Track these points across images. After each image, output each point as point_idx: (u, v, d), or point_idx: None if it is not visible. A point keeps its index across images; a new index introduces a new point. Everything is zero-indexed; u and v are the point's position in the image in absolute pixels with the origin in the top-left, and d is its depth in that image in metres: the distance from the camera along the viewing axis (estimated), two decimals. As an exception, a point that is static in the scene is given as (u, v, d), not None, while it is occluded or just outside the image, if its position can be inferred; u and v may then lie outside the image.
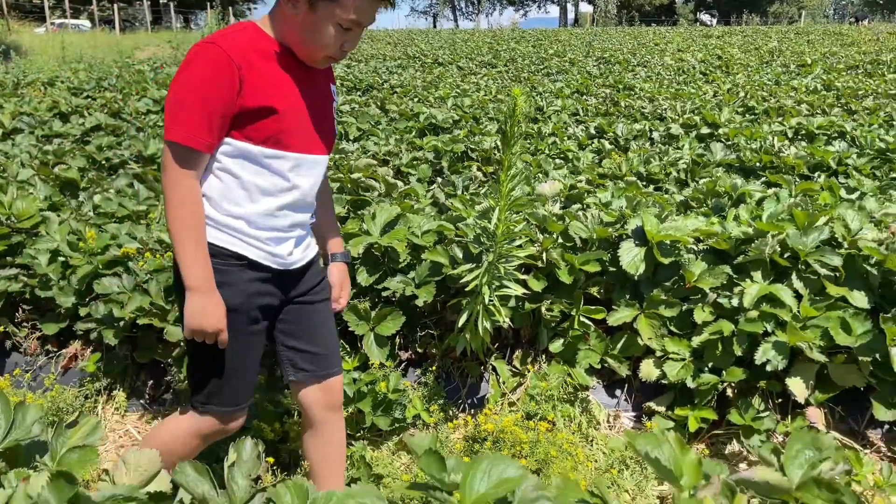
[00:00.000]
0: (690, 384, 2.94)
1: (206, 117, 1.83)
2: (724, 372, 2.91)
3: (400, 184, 4.24)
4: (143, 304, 2.97)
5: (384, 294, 3.16)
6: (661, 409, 3.02)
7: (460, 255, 3.10)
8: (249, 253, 1.98)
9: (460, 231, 3.26)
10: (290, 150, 1.96)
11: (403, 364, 3.25)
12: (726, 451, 2.95)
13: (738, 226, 3.26)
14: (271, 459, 2.57)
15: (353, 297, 3.16)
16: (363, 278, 3.13)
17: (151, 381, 3.27)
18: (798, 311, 2.89)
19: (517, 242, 2.80)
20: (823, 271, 2.94)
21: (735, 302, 2.97)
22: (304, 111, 1.99)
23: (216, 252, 1.94)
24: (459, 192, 4.21)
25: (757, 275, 3.03)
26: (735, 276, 3.08)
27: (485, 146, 5.83)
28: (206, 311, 1.90)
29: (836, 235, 3.02)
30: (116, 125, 7.27)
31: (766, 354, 2.80)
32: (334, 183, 4.17)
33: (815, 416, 2.89)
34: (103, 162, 5.84)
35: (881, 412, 2.80)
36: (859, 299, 2.89)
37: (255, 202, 1.96)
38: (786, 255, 3.05)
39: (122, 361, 3.25)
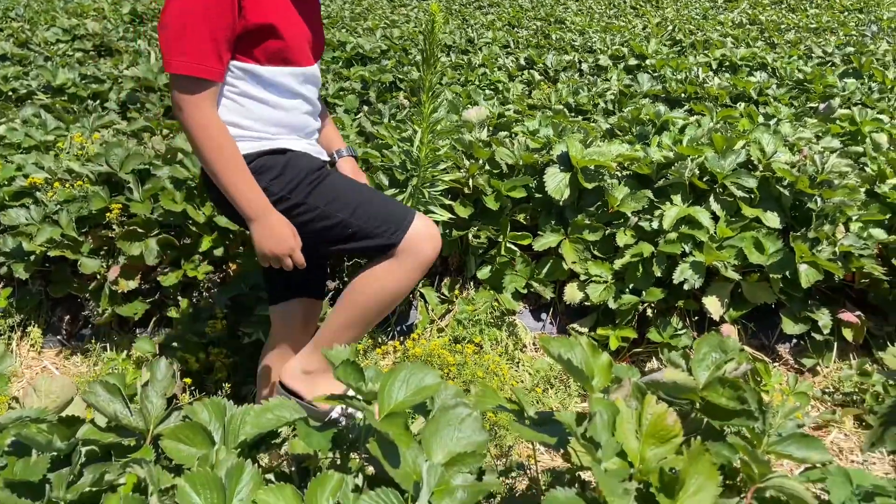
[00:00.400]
0: (612, 305, 3.02)
1: (213, 43, 1.75)
2: (643, 292, 3.00)
3: (325, 113, 4.13)
4: (53, 236, 2.85)
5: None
6: (584, 329, 3.11)
7: (386, 181, 3.06)
8: (295, 146, 1.97)
9: (386, 158, 3.22)
10: (296, 66, 1.94)
11: (329, 295, 3.23)
12: (646, 369, 3.07)
13: (660, 151, 3.32)
14: (188, 380, 2.53)
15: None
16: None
17: (68, 317, 3.16)
18: (715, 233, 2.99)
19: (442, 166, 2.78)
20: (739, 193, 3.03)
21: (655, 224, 3.04)
22: (301, 24, 1.95)
23: (263, 156, 1.91)
24: (385, 121, 4.13)
25: (677, 198, 3.11)
26: (656, 199, 3.14)
27: (413, 76, 5.72)
28: (273, 232, 1.86)
29: (753, 158, 3.11)
30: (24, 55, 6.83)
31: (683, 274, 2.90)
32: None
33: (729, 331, 3.02)
34: (10, 93, 5.51)
35: (789, 326, 2.95)
36: (772, 220, 3.01)
37: (271, 118, 1.94)
38: (704, 179, 3.13)
39: (36, 297, 3.12)
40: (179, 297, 3.08)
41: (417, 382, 1.35)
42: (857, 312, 3.00)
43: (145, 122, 4.23)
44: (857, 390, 2.80)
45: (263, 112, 1.93)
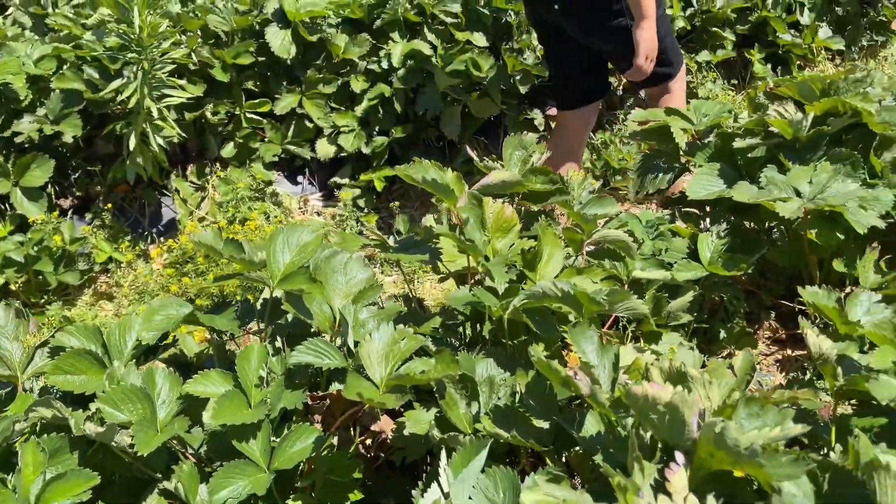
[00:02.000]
0: (366, 150, 3.16)
1: None
2: (392, 131, 3.17)
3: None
4: None
5: (17, 140, 2.70)
6: (346, 180, 3.22)
7: (96, 74, 2.73)
8: None
9: (84, 52, 2.84)
10: None
11: (69, 213, 2.89)
12: (409, 202, 3.31)
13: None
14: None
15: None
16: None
17: None
18: (437, 61, 3.21)
19: (166, 44, 2.57)
20: (449, 20, 3.26)
21: (385, 64, 3.17)
22: None
23: None
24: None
25: (395, 35, 3.24)
26: (376, 41, 3.25)
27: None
28: (652, 34, 2.33)
29: (452, -15, 3.33)
30: None
31: (423, 105, 3.11)
32: None
33: (470, 150, 3.36)
34: None
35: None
36: (480, 39, 3.30)
37: None
38: (415, 12, 3.29)
39: None
40: None
41: (297, 241, 1.39)
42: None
43: None
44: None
45: None
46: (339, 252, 1.46)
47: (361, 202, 3.14)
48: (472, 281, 1.59)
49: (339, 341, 1.31)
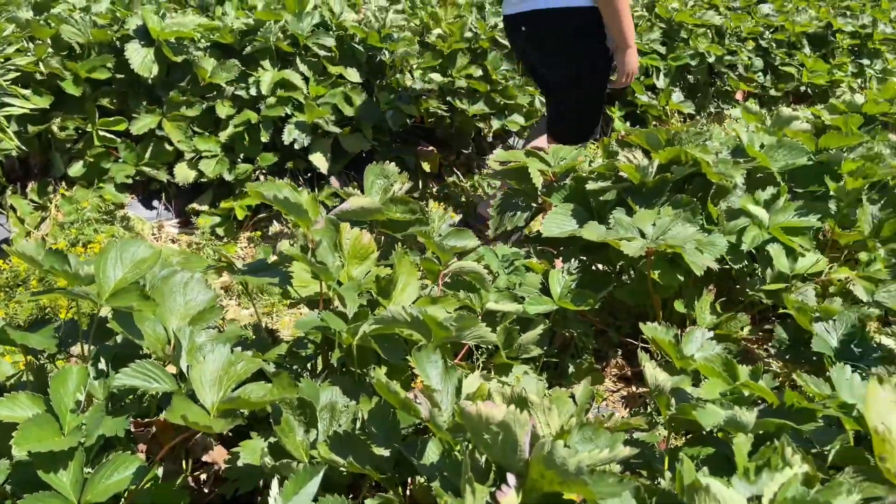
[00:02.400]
0: (228, 177, 3.05)
1: None
2: (257, 159, 3.09)
3: None
4: None
5: None
6: (205, 207, 3.09)
7: (-74, 77, 2.49)
8: None
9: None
10: None
11: None
12: (270, 232, 3.21)
13: (239, 19, 3.31)
14: None
15: None
16: None
17: None
18: (308, 92, 3.18)
19: (10, 49, 2.38)
20: (322, 52, 3.24)
21: (253, 91, 3.10)
22: None
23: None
24: None
25: (266, 63, 3.18)
26: (246, 67, 3.18)
27: None
28: (636, 58, 2.60)
29: (327, 19, 3.32)
30: None
31: (292, 135, 3.05)
32: None
33: (336, 184, 3.32)
34: None
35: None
36: (353, 75, 3.31)
37: None
38: (288, 42, 3.25)
39: None
40: None
41: (132, 257, 1.29)
42: (431, 147, 3.56)
43: None
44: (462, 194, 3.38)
45: None
46: (178, 271, 1.37)
47: (221, 230, 3.01)
48: (323, 307, 1.54)
49: (172, 366, 1.23)
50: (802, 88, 4.77)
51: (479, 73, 3.58)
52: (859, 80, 4.95)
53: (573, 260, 1.86)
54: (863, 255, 2.05)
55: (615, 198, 1.94)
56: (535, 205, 2.06)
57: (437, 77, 3.49)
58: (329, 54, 3.26)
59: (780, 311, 2.07)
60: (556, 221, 1.88)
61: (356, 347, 1.38)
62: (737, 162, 1.92)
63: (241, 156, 3.11)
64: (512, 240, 2.38)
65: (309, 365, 1.54)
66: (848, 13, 5.10)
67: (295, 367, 1.44)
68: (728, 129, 4.42)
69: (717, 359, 1.40)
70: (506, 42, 3.82)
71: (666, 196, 1.85)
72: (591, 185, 1.91)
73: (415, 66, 3.52)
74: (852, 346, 1.58)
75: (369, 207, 1.63)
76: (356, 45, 3.35)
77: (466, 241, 1.79)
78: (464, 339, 1.35)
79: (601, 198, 1.94)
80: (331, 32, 3.29)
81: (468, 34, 3.67)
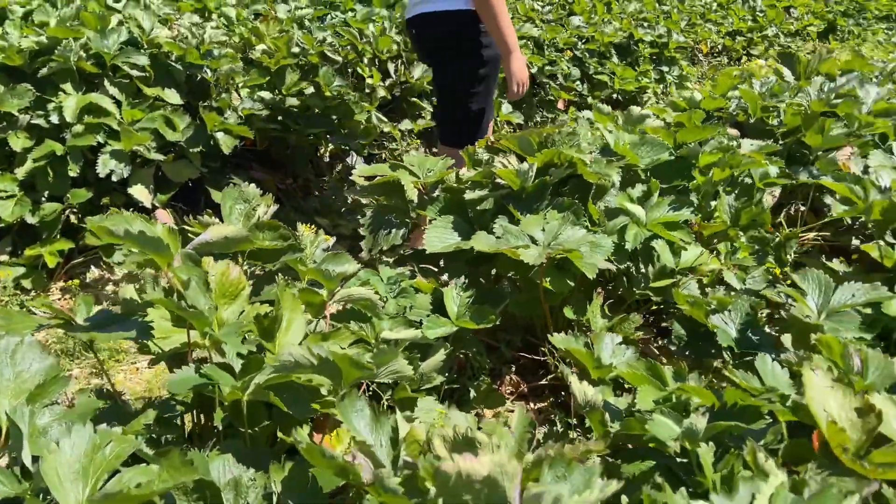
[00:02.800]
0: (31, 220, 2.60)
1: None
2: (67, 197, 2.66)
3: None
4: None
5: None
6: (4, 257, 2.61)
7: None
8: None
9: None
10: None
11: None
12: (88, 280, 2.78)
13: (24, 37, 2.86)
14: None
15: None
16: None
17: None
18: (123, 117, 2.80)
19: None
20: (135, 73, 2.88)
21: (55, 119, 2.68)
22: None
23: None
24: None
25: (68, 86, 2.77)
26: (42, 92, 2.75)
27: None
28: (523, 63, 2.55)
29: (136, 36, 2.97)
30: None
31: (107, 165, 2.67)
32: None
33: (164, 216, 2.96)
34: None
35: (218, 197, 3.04)
36: (172, 96, 2.97)
37: None
38: (93, 62, 2.86)
39: None
40: None
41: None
42: (264, 175, 3.30)
43: None
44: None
45: None
46: (1, 337, 1.06)
47: (27, 282, 2.56)
48: (193, 360, 1.28)
49: (8, 458, 0.93)
50: (615, 96, 5.03)
51: (312, 89, 3.37)
52: (662, 86, 5.33)
53: (461, 276, 1.73)
54: (721, 247, 2.12)
55: (493, 206, 1.83)
56: (408, 220, 1.91)
57: (266, 95, 3.24)
58: (143, 74, 2.90)
59: (663, 307, 2.07)
60: (438, 235, 1.74)
61: (246, 403, 1.14)
62: (610, 161, 1.90)
63: (46, 194, 2.67)
64: (386, 261, 2.21)
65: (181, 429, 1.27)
66: (646, 24, 5.49)
67: (167, 436, 1.17)
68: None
69: (640, 364, 1.32)
70: (335, 57, 3.66)
71: (548, 200, 1.77)
72: (469, 195, 1.79)
73: (241, 85, 3.24)
74: (749, 334, 1.59)
75: (234, 237, 1.39)
76: (173, 64, 3.02)
77: (346, 266, 1.59)
78: (380, 378, 1.16)
79: (479, 207, 1.83)
80: (142, 50, 2.93)
81: (295, 49, 3.46)
